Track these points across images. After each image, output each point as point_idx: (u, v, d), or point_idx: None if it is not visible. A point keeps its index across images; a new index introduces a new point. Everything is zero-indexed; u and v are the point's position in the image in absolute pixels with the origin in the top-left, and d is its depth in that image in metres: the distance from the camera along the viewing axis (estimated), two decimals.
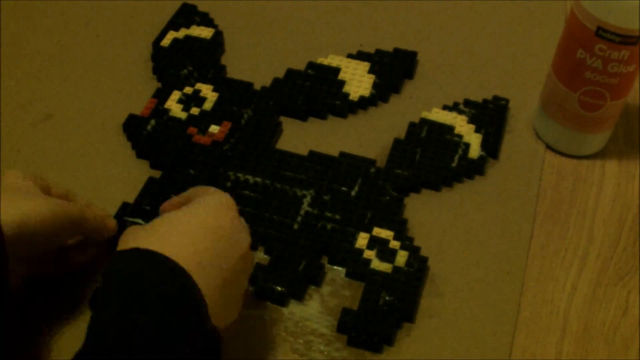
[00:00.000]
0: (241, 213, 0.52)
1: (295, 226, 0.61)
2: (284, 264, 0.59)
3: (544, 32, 0.79)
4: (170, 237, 0.46)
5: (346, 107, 0.71)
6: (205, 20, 0.79)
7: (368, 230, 0.61)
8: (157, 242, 0.46)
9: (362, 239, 0.60)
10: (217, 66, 0.74)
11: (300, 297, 0.58)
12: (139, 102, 0.70)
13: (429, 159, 0.66)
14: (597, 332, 0.57)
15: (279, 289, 0.57)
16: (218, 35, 0.77)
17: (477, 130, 0.69)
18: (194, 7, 0.80)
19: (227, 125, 0.68)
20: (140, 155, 0.67)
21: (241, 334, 0.56)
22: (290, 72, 0.74)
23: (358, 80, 0.73)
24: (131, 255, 0.45)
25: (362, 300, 0.57)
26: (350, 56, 0.75)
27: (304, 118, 0.71)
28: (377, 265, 0.59)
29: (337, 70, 0.74)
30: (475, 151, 0.67)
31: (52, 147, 0.67)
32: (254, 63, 0.75)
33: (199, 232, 0.47)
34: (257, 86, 0.72)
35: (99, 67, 0.74)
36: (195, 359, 0.42)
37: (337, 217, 0.62)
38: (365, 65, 0.74)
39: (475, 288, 0.59)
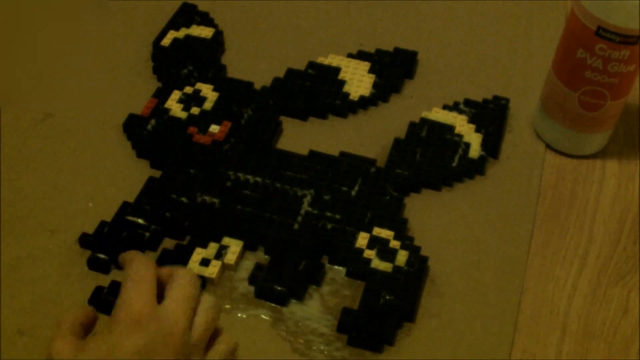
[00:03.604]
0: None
1: (296, 226, 0.61)
2: (284, 263, 0.59)
3: (544, 32, 0.79)
4: None
5: (346, 107, 0.71)
6: (206, 19, 0.79)
7: (368, 230, 0.61)
8: None
9: (362, 239, 0.60)
10: (217, 66, 0.74)
11: (300, 296, 0.58)
12: (139, 102, 0.70)
13: (429, 158, 0.66)
14: (597, 332, 0.57)
15: (279, 288, 0.57)
16: (218, 35, 0.77)
17: (477, 130, 0.69)
18: (194, 6, 0.80)
19: (227, 125, 0.68)
20: (140, 155, 0.67)
21: (241, 334, 0.56)
22: (290, 72, 0.74)
23: (358, 80, 0.73)
24: None
25: (363, 299, 0.57)
26: (350, 56, 0.75)
27: (304, 118, 0.71)
28: (378, 264, 0.59)
29: (337, 70, 0.74)
30: (475, 151, 0.67)
31: (52, 147, 0.67)
32: (254, 63, 0.75)
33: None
34: (257, 86, 0.72)
35: (99, 67, 0.74)
36: None
37: (338, 216, 0.62)
38: (365, 65, 0.74)
39: (475, 288, 0.59)
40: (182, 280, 0.49)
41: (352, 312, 0.56)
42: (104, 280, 0.58)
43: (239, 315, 0.57)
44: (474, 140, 0.68)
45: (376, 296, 0.57)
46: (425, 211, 0.64)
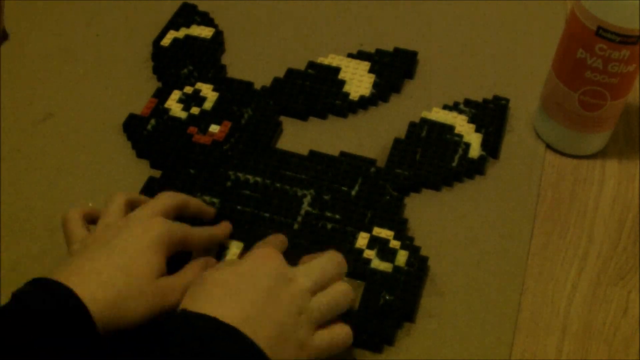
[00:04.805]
0: (288, 258, 0.52)
1: (296, 226, 0.61)
2: None
3: (544, 32, 0.79)
4: (227, 300, 0.47)
5: (346, 107, 0.71)
6: (206, 19, 0.79)
7: (368, 230, 0.61)
8: (217, 307, 0.47)
9: (362, 239, 0.60)
10: (217, 66, 0.74)
11: None
12: (139, 102, 0.71)
13: (429, 158, 0.66)
14: (597, 332, 0.57)
15: None
16: (218, 35, 0.77)
17: (477, 130, 0.69)
18: (194, 6, 0.80)
19: (227, 124, 0.68)
20: (140, 155, 0.67)
21: None
22: (290, 72, 0.74)
23: (358, 80, 0.73)
24: (200, 323, 0.46)
25: (363, 299, 0.57)
26: (350, 56, 0.75)
27: (304, 118, 0.71)
28: (378, 264, 0.59)
29: (337, 69, 0.74)
30: (475, 151, 0.67)
31: (52, 147, 0.67)
32: (254, 63, 0.75)
33: (249, 291, 0.48)
34: (257, 86, 0.72)
35: (99, 67, 0.74)
36: None
37: (337, 216, 0.62)
38: (365, 65, 0.74)
39: (475, 288, 0.59)
40: (327, 256, 0.52)
41: (352, 312, 0.56)
42: None
43: None
44: (474, 140, 0.68)
45: (376, 296, 0.57)
46: (425, 211, 0.64)
